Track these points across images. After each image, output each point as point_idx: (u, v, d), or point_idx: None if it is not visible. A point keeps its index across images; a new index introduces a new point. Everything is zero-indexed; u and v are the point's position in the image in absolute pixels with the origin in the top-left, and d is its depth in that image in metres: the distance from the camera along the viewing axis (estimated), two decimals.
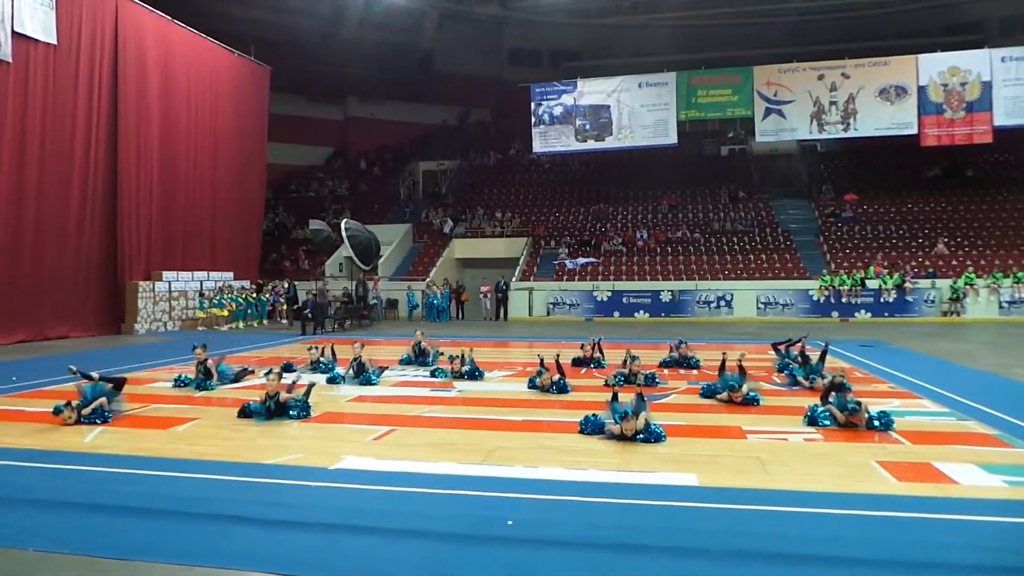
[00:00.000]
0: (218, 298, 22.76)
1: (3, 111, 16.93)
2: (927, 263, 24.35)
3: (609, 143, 28.76)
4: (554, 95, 29.04)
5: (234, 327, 22.47)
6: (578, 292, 25.34)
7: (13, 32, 16.98)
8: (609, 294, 24.97)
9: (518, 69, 38.46)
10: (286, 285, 25.81)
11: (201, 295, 22.63)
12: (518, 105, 32.79)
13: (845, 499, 5.16)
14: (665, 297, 24.50)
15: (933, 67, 25.91)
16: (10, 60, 16.96)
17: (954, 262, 24.21)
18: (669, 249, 27.79)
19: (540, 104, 29.13)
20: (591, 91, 28.68)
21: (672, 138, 28.07)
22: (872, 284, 23.35)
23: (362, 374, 10.59)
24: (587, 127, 28.67)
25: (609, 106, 28.40)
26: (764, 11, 33.16)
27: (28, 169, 17.60)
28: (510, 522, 4.72)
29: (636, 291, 25.01)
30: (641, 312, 24.55)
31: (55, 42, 18.14)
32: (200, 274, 23.22)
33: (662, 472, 5.89)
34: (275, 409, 7.91)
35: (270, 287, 25.79)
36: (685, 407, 8.67)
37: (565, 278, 26.44)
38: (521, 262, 27.98)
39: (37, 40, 17.67)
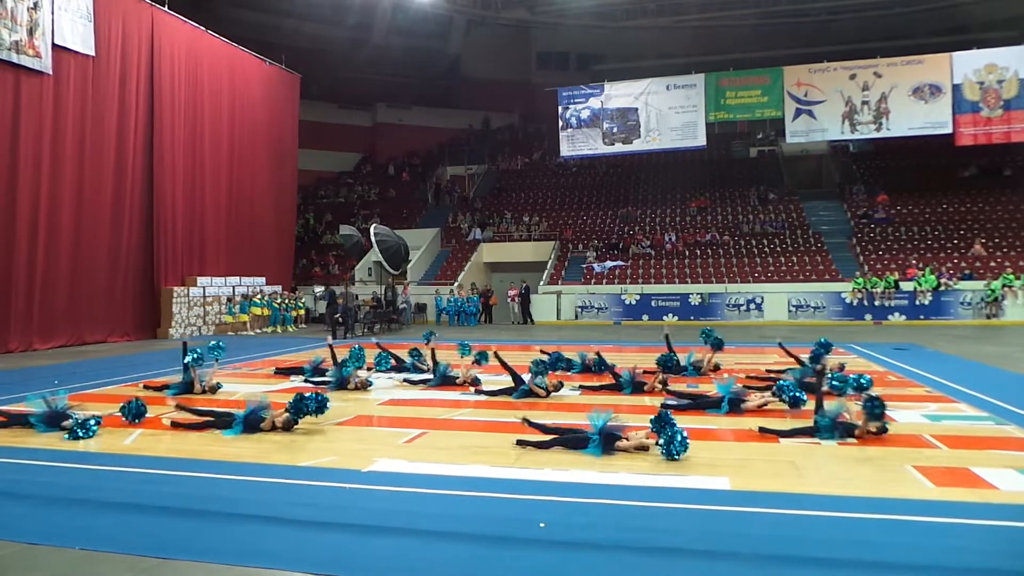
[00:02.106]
0: (244, 303, 23.06)
1: (43, 122, 17.41)
2: (963, 264, 23.87)
3: (637, 146, 28.70)
4: (581, 98, 29.05)
5: (263, 332, 22.78)
6: (606, 295, 25.27)
7: (54, 44, 17.48)
8: (637, 297, 24.86)
9: (545, 73, 38.55)
10: (320, 290, 26.03)
11: (230, 301, 22.99)
12: (545, 109, 32.89)
13: (880, 504, 5.10)
14: (694, 300, 24.32)
15: (968, 64, 25.45)
16: (51, 72, 17.45)
17: (992, 263, 23.70)
18: (698, 252, 27.60)
19: (567, 107, 29.17)
20: (618, 94, 28.64)
21: (701, 140, 27.92)
22: (906, 286, 22.94)
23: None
24: (614, 130, 28.62)
25: (637, 108, 28.33)
26: (792, 11, 32.85)
27: (67, 179, 18.07)
28: (542, 524, 4.75)
29: (665, 294, 24.86)
30: (670, 315, 24.40)
31: (93, 54, 18.62)
32: (233, 279, 23.61)
33: (694, 475, 5.87)
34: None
35: (318, 292, 26.11)
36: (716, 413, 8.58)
37: (593, 281, 26.40)
38: (549, 266, 28.00)
39: (76, 52, 18.15)
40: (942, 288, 22.51)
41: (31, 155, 17.15)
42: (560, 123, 29.40)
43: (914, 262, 24.28)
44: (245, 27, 29.57)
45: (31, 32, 16.96)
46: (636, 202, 32.45)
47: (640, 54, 35.28)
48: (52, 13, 17.41)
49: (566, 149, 29.66)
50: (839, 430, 7.03)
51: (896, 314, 22.77)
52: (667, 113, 28.01)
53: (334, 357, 11.21)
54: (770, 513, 4.98)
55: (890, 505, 5.07)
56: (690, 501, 5.28)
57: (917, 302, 22.61)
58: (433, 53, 38.23)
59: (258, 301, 23.28)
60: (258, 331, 22.69)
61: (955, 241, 25.72)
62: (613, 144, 28.85)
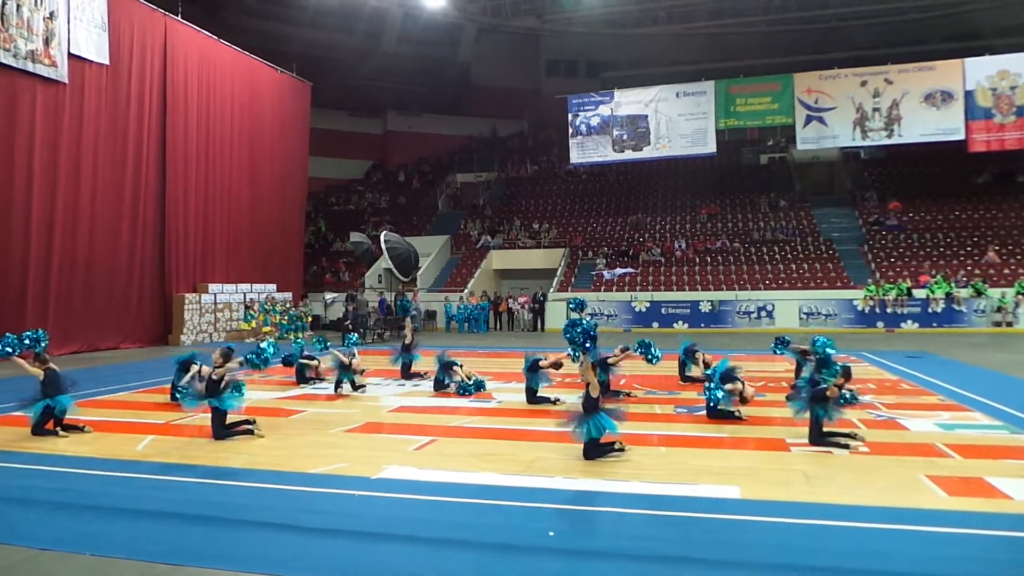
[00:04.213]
0: (255, 310, 23.15)
1: (60, 130, 17.59)
2: (977, 272, 23.67)
3: (647, 153, 28.66)
4: (591, 106, 29.06)
5: (266, 337, 22.82)
6: (616, 303, 25.23)
7: (69, 54, 17.67)
8: (647, 304, 24.79)
9: (555, 80, 38.70)
10: (331, 296, 26.09)
11: (248, 308, 23.11)
12: (555, 116, 32.96)
13: (893, 513, 5.06)
14: (704, 307, 24.23)
15: (981, 71, 25.30)
16: (66, 81, 17.64)
17: (1006, 271, 23.49)
18: (708, 259, 27.51)
19: (577, 115, 29.18)
20: (628, 101, 28.63)
21: (711, 147, 27.87)
22: (919, 293, 22.78)
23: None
24: (624, 137, 28.61)
25: (647, 116, 28.31)
26: (803, 18, 32.77)
27: (83, 186, 18.25)
28: (551, 533, 4.74)
29: (675, 301, 24.78)
30: (680, 323, 24.31)
31: (108, 63, 18.81)
32: (244, 286, 23.72)
33: (704, 484, 5.85)
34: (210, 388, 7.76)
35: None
36: (726, 420, 8.54)
37: (603, 288, 26.35)
38: (559, 273, 27.98)
39: (91, 61, 18.34)
40: (955, 296, 22.31)
41: (47, 163, 17.32)
42: (570, 130, 29.42)
43: (927, 268, 24.10)
44: (257, 36, 29.82)
45: (47, 42, 17.16)
46: (646, 209, 32.40)
47: (650, 61, 35.30)
48: (68, 23, 17.61)
49: (576, 156, 29.68)
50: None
51: (909, 322, 22.60)
52: (677, 120, 27.98)
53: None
54: (781, 522, 4.95)
55: (903, 515, 5.03)
56: (700, 510, 5.25)
57: (930, 309, 22.44)
58: (443, 61, 38.43)
59: (267, 308, 23.36)
60: (251, 339, 22.65)
61: (968, 248, 25.51)
62: (623, 151, 28.82)
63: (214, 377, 7.76)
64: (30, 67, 16.74)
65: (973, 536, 4.69)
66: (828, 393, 7.03)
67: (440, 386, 10.97)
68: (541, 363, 9.79)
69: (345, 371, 10.89)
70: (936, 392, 10.36)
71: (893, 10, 32.14)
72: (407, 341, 12.60)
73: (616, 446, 6.68)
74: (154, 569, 4.26)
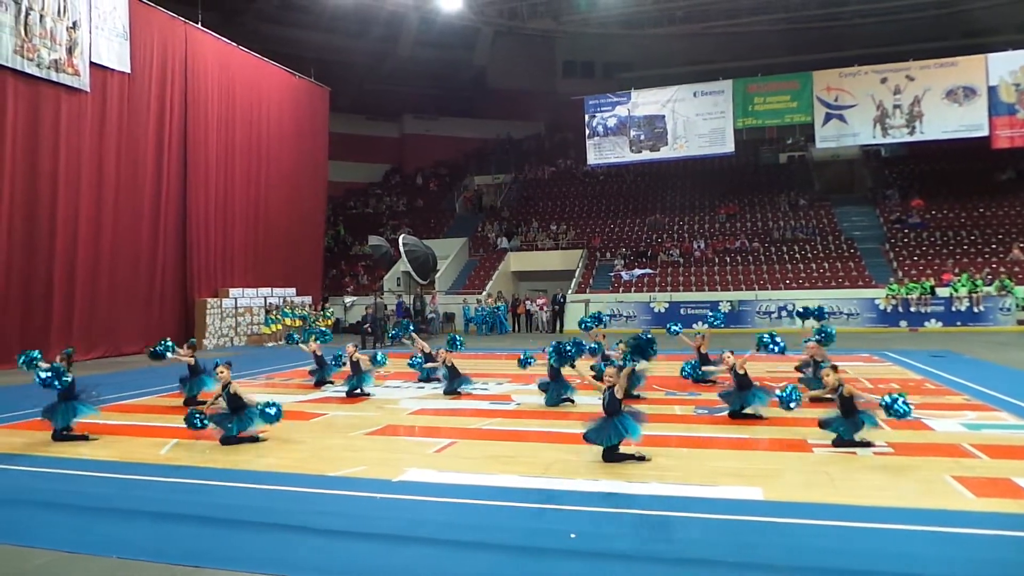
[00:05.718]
0: (274, 314, 23.33)
1: (82, 138, 17.83)
2: (1002, 270, 23.29)
3: (664, 153, 28.56)
4: (608, 106, 29.01)
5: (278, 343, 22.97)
6: (635, 304, 25.12)
7: (91, 63, 17.92)
8: (666, 305, 24.66)
9: (571, 81, 38.64)
10: (350, 300, 26.24)
11: (268, 313, 23.31)
12: (571, 118, 32.90)
13: (919, 515, 4.99)
14: (724, 308, 24.04)
15: (1004, 66, 24.95)
16: (88, 90, 17.88)
17: None
18: (727, 259, 27.32)
19: (594, 116, 29.14)
20: (645, 101, 28.55)
21: (729, 146, 27.70)
22: (943, 292, 22.45)
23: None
24: (642, 137, 28.52)
25: (664, 116, 28.21)
26: (821, 15, 32.50)
27: (105, 193, 18.48)
28: (573, 535, 4.72)
29: (694, 302, 24.61)
30: (699, 323, 24.12)
31: (129, 71, 19.05)
32: (264, 290, 23.91)
33: (726, 486, 5.80)
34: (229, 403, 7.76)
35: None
36: (748, 421, 8.47)
37: (621, 289, 26.25)
38: (577, 274, 27.92)
39: (113, 70, 18.58)
40: (975, 296, 21.96)
41: (71, 171, 17.55)
42: (587, 131, 29.39)
43: (950, 266, 23.75)
44: (275, 42, 30.11)
45: (70, 51, 17.41)
46: (664, 209, 32.25)
47: (667, 61, 35.16)
48: (90, 32, 17.86)
49: (593, 157, 29.63)
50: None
51: (932, 320, 22.28)
52: (695, 120, 27.85)
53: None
54: (805, 524, 4.90)
55: (929, 516, 4.95)
56: (723, 512, 5.20)
57: (954, 308, 22.11)
58: (459, 64, 38.54)
59: (287, 312, 23.56)
60: (271, 344, 22.81)
61: (993, 246, 25.12)
62: (640, 152, 28.74)
63: (232, 393, 7.79)
64: (54, 76, 16.98)
65: (1002, 537, 4.60)
66: (840, 390, 7.03)
67: (451, 390, 10.97)
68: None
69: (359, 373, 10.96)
70: (961, 392, 10.20)
71: (912, 6, 31.77)
72: (427, 351, 12.44)
73: (637, 455, 6.62)
74: (175, 571, 4.29)
